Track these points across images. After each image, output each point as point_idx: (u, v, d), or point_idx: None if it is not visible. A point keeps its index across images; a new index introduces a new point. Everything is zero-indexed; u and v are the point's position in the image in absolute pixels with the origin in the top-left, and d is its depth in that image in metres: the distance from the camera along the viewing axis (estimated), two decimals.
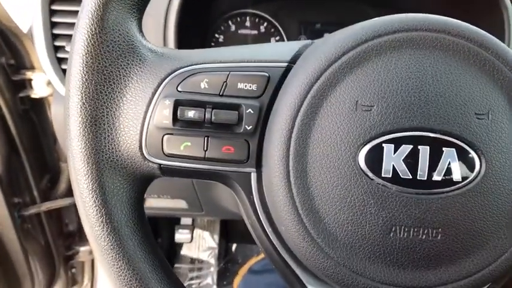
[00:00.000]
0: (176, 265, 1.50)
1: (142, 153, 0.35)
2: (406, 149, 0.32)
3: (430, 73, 0.32)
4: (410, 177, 0.32)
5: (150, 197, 0.97)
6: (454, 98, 0.32)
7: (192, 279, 1.49)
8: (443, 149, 0.32)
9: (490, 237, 0.33)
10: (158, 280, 0.36)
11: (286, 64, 0.35)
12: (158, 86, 0.34)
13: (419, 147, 0.32)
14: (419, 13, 0.34)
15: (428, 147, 0.32)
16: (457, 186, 0.32)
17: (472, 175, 0.32)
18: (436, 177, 0.32)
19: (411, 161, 0.32)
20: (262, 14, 0.87)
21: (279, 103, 0.34)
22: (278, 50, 0.37)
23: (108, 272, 0.35)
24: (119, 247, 0.34)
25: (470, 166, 0.32)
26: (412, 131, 0.32)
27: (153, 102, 0.34)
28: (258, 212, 0.36)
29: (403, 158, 0.32)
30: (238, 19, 0.88)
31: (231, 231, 1.44)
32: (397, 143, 0.32)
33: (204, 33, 0.85)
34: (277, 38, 0.88)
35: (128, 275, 0.35)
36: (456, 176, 0.32)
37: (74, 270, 1.31)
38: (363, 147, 0.32)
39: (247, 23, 0.88)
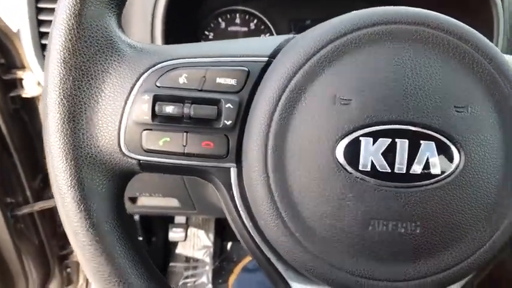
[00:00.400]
0: (171, 264, 1.50)
1: (120, 149, 0.34)
2: (384, 142, 0.32)
3: (409, 66, 0.32)
4: (389, 170, 0.32)
5: (142, 196, 0.97)
6: (433, 91, 0.32)
7: (187, 277, 1.49)
8: (422, 142, 0.32)
9: (468, 230, 0.33)
10: (138, 276, 0.36)
11: (267, 59, 0.35)
12: (136, 81, 0.34)
13: (397, 140, 0.32)
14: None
15: (407, 141, 0.32)
16: (436, 179, 0.32)
17: (451, 168, 0.32)
18: (415, 170, 0.32)
19: (390, 154, 0.32)
20: (252, 11, 0.87)
21: (257, 98, 0.34)
22: (259, 45, 0.37)
23: (87, 267, 0.35)
24: (98, 243, 0.34)
25: (450, 159, 0.32)
26: (390, 125, 0.32)
27: (131, 97, 0.34)
28: (239, 207, 0.36)
29: (381, 151, 0.32)
30: (228, 16, 0.88)
31: (226, 230, 1.44)
32: (376, 136, 0.32)
33: (193, 30, 0.85)
34: (267, 35, 0.88)
35: (107, 270, 0.35)
36: (435, 169, 0.32)
37: (68, 270, 1.31)
38: (340, 140, 0.32)
39: (237, 20, 0.88)
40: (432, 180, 0.32)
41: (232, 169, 0.35)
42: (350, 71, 0.32)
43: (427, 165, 0.32)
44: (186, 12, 0.79)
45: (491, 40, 0.69)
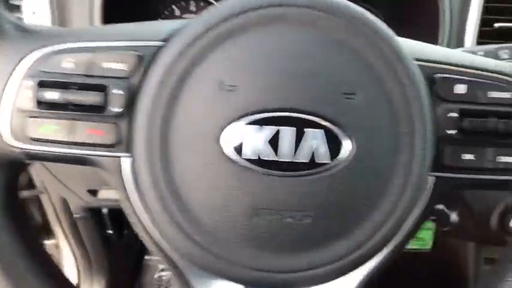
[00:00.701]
0: (146, 257, 1.48)
1: (2, 138, 0.33)
2: (270, 130, 0.30)
3: (297, 51, 0.31)
4: (275, 158, 0.30)
5: (103, 189, 0.95)
6: (321, 77, 0.30)
7: (162, 270, 1.48)
8: (309, 130, 0.30)
9: (360, 220, 0.31)
10: (28, 268, 0.34)
11: (160, 43, 0.33)
12: (17, 64, 0.32)
13: (283, 128, 0.30)
14: None
15: (293, 129, 0.30)
16: (325, 167, 0.30)
17: (341, 156, 0.31)
18: (302, 159, 0.30)
19: (275, 142, 0.30)
20: None
21: (144, 83, 0.32)
22: (154, 29, 0.35)
23: None
24: None
25: (338, 147, 0.31)
26: (276, 112, 0.30)
27: (12, 82, 0.32)
28: (131, 198, 0.34)
29: (267, 139, 0.30)
30: (183, 3, 0.85)
31: None
32: (261, 124, 0.30)
33: (143, 19, 0.82)
34: None
35: None
36: (323, 157, 0.30)
37: None
38: (225, 128, 0.30)
39: (193, 8, 0.86)
40: (320, 169, 0.30)
41: (124, 159, 0.34)
42: (236, 56, 0.31)
43: (314, 154, 0.30)
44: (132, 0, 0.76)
45: (436, 31, 0.68)
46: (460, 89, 0.33)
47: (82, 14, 0.65)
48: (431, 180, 0.33)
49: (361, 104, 0.31)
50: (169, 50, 0.31)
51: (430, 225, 0.66)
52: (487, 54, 0.49)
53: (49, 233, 1.25)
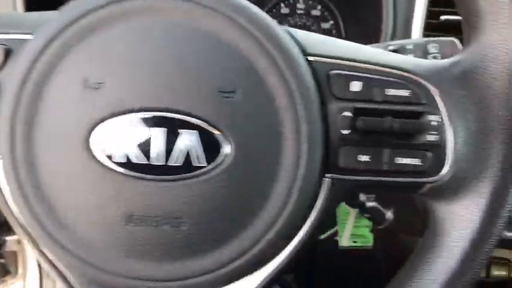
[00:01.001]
0: None
1: None
2: (140, 131, 0.28)
3: (168, 46, 0.29)
4: (146, 162, 0.28)
5: None
6: (194, 74, 0.28)
7: None
8: (182, 131, 0.28)
9: (243, 226, 0.30)
10: None
11: (28, 36, 0.31)
12: None
13: (154, 129, 0.28)
14: None
15: (165, 130, 0.28)
16: (201, 171, 0.29)
17: (218, 159, 0.29)
18: (175, 162, 0.28)
19: (146, 144, 0.28)
20: None
21: (8, 80, 0.30)
22: (24, 19, 0.32)
23: None
24: None
25: (216, 149, 0.29)
26: (146, 112, 0.28)
27: None
28: (9, 204, 0.32)
29: (137, 141, 0.28)
30: None
31: None
32: (131, 124, 0.28)
33: None
34: None
35: None
36: (199, 160, 0.28)
37: (2, 260, 1.27)
38: (93, 129, 0.28)
39: None
40: (196, 173, 0.29)
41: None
42: (101, 51, 0.29)
43: (188, 156, 0.28)
44: None
45: (379, 23, 0.67)
46: (356, 86, 0.31)
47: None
48: (326, 182, 0.32)
49: (240, 103, 0.29)
50: (32, 44, 0.29)
51: (366, 222, 0.65)
52: (416, 48, 0.47)
53: (12, 229, 1.23)
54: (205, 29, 0.29)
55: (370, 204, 0.54)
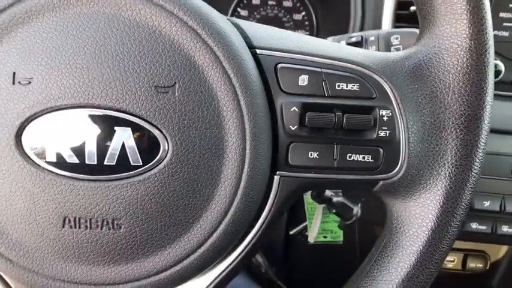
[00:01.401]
0: None
1: None
2: (71, 128, 0.27)
3: (99, 39, 0.27)
4: (78, 161, 0.27)
5: None
6: (129, 68, 0.27)
7: None
8: (116, 128, 0.27)
9: (184, 227, 0.28)
10: None
11: None
12: None
13: (86, 126, 0.27)
14: None
15: (98, 127, 0.27)
16: (138, 171, 0.27)
17: (156, 158, 0.27)
18: (109, 161, 0.27)
19: (78, 143, 0.27)
20: None
21: None
22: None
23: None
24: None
25: (153, 147, 0.27)
26: (78, 108, 0.27)
27: None
28: None
29: (68, 139, 0.27)
30: None
31: None
32: (61, 121, 0.27)
33: None
34: None
35: None
36: (134, 159, 0.27)
37: None
38: (25, 127, 0.27)
39: None
40: (133, 172, 0.27)
41: None
42: (29, 44, 0.27)
43: (123, 155, 0.27)
44: None
45: (349, 15, 0.66)
46: (303, 80, 0.30)
47: None
48: (276, 179, 0.31)
49: (178, 99, 0.27)
50: None
51: (335, 217, 0.64)
52: (379, 40, 0.46)
53: None
54: (140, 21, 0.27)
55: (336, 199, 0.53)
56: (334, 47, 0.32)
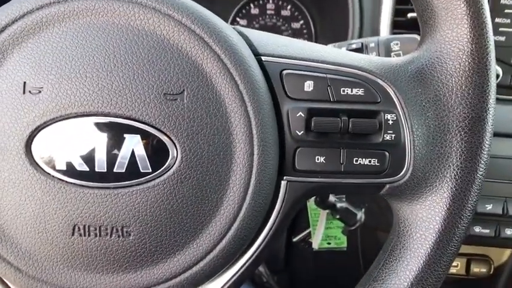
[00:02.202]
0: None
1: None
2: (80, 136, 0.27)
3: (108, 48, 0.27)
4: (88, 169, 0.27)
5: None
6: (138, 76, 0.27)
7: None
8: (125, 135, 0.27)
9: (194, 234, 0.28)
10: None
11: None
12: None
13: (95, 134, 0.27)
14: None
15: (107, 135, 0.27)
16: (147, 178, 0.27)
17: (165, 164, 0.27)
18: (119, 168, 0.27)
19: (87, 150, 0.27)
20: None
21: None
22: None
23: None
24: None
25: (162, 154, 0.27)
26: (85, 116, 0.27)
27: None
28: None
29: (78, 147, 0.27)
30: None
31: None
32: (71, 130, 0.27)
33: None
34: None
35: None
36: (143, 166, 0.27)
37: None
38: (35, 135, 0.27)
39: None
40: (142, 179, 0.27)
41: None
42: (39, 54, 0.27)
43: (133, 162, 0.27)
44: None
45: (347, 22, 0.66)
46: (309, 85, 0.30)
47: None
48: (283, 185, 0.31)
49: (186, 106, 0.27)
50: None
51: (338, 223, 0.64)
52: (379, 46, 0.47)
53: None
54: (149, 30, 0.27)
55: (340, 205, 0.53)
56: (337, 53, 0.33)
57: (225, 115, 0.28)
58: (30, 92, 0.27)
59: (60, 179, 0.27)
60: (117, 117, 0.27)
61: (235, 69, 0.28)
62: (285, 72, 0.30)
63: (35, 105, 0.27)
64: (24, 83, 0.27)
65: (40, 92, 0.27)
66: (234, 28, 0.31)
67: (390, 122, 0.30)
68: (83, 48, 0.27)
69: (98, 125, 0.27)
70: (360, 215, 0.54)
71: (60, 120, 0.27)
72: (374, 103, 0.31)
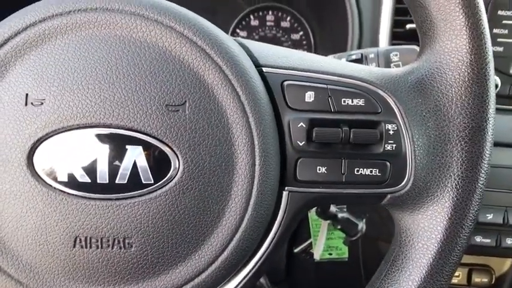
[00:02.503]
0: None
1: None
2: (82, 148, 0.27)
3: (110, 59, 0.27)
4: (89, 180, 0.27)
5: None
6: (139, 87, 0.27)
7: None
8: (127, 147, 0.27)
9: (196, 245, 0.28)
10: None
11: None
12: None
13: (97, 145, 0.27)
14: None
15: (109, 146, 0.27)
16: (149, 189, 0.27)
17: (167, 175, 0.28)
18: (120, 180, 0.27)
19: (89, 161, 0.27)
20: None
21: None
22: None
23: None
24: None
25: (164, 165, 0.27)
26: (87, 128, 0.27)
27: None
28: None
29: (79, 158, 0.27)
30: None
31: None
32: (72, 142, 0.27)
33: None
34: None
35: None
36: (145, 177, 0.27)
37: None
38: (36, 148, 0.27)
39: None
40: (144, 190, 0.27)
41: None
42: (42, 66, 0.27)
43: (135, 173, 0.27)
44: None
45: (347, 33, 0.67)
46: (310, 96, 0.31)
47: None
48: (285, 195, 0.31)
49: (189, 117, 0.27)
50: None
51: (340, 233, 0.64)
52: (378, 56, 0.47)
53: None
54: (151, 42, 0.28)
55: (341, 215, 0.53)
56: (338, 64, 0.33)
57: (226, 126, 0.28)
58: (32, 103, 0.27)
59: (61, 191, 0.27)
60: (119, 128, 0.27)
61: (236, 81, 0.28)
62: (286, 83, 0.31)
63: (37, 116, 0.27)
64: (27, 94, 0.27)
65: (42, 103, 0.27)
66: (235, 39, 0.32)
67: (391, 132, 0.31)
68: (85, 60, 0.27)
69: (99, 136, 0.27)
70: (361, 225, 0.54)
71: (62, 132, 0.27)
72: (375, 113, 0.31)
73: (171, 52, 0.28)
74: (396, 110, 0.31)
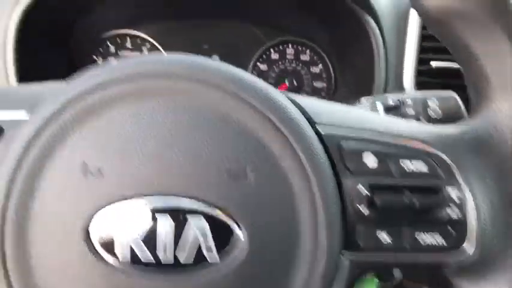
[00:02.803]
0: None
1: None
2: (143, 223, 0.26)
3: (171, 128, 0.26)
4: (153, 261, 0.26)
5: None
6: (200, 156, 0.26)
7: None
8: (190, 220, 0.26)
9: None
10: None
11: (23, 114, 0.29)
12: None
13: (159, 219, 0.26)
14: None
15: (170, 220, 0.26)
16: (215, 268, 0.26)
17: (233, 250, 0.26)
18: (185, 258, 0.26)
19: (151, 239, 0.26)
20: (143, 35, 0.81)
21: (2, 162, 0.27)
22: (16, 96, 0.30)
23: None
24: None
25: (227, 237, 0.26)
26: (149, 199, 0.26)
27: None
28: None
29: (141, 235, 0.26)
30: (118, 40, 0.81)
31: None
32: (132, 216, 0.26)
33: (71, 57, 0.77)
34: None
35: None
36: (210, 254, 0.26)
37: None
38: (92, 220, 0.26)
39: (128, 45, 0.81)
40: (210, 269, 0.26)
41: None
42: (102, 134, 0.26)
43: (199, 250, 0.26)
44: (52, 37, 0.71)
45: (369, 68, 0.67)
46: (370, 159, 0.30)
47: None
48: (345, 262, 0.30)
49: (251, 185, 0.26)
50: (27, 126, 0.27)
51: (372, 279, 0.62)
52: (415, 102, 0.47)
53: None
54: (209, 109, 0.27)
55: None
56: (393, 122, 0.32)
57: (288, 192, 0.27)
58: (91, 172, 0.26)
59: (118, 268, 0.26)
60: (179, 201, 0.26)
61: (299, 147, 0.27)
62: (343, 143, 0.30)
63: (95, 187, 0.26)
64: (84, 163, 0.26)
65: (100, 172, 0.26)
66: (287, 97, 0.31)
67: (454, 198, 0.30)
68: (145, 129, 0.26)
69: (159, 210, 0.26)
70: (397, 272, 0.52)
71: (117, 201, 0.26)
72: (436, 177, 0.30)
73: (232, 119, 0.27)
74: (457, 174, 0.30)
